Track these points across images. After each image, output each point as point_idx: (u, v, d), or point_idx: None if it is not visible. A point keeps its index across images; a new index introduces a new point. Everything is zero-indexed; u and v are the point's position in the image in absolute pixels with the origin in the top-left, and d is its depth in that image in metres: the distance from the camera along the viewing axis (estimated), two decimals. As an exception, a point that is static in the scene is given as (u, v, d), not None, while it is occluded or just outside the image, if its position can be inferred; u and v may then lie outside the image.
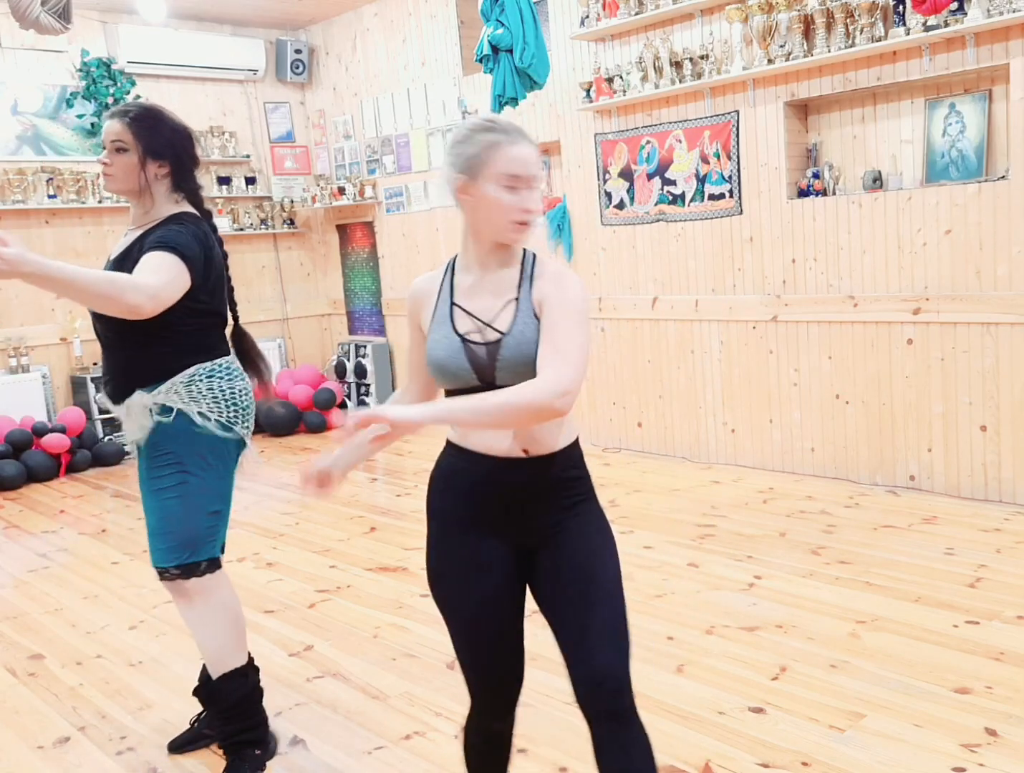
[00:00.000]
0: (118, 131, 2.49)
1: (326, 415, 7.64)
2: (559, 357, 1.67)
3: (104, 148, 2.53)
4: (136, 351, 2.48)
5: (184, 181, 2.56)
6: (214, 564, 2.56)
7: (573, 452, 1.85)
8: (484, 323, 1.77)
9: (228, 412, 2.53)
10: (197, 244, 2.45)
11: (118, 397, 2.54)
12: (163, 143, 2.51)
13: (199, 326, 2.52)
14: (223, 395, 2.52)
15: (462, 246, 1.85)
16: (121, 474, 6.54)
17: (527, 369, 1.72)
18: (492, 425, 1.73)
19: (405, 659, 3.27)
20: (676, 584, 3.80)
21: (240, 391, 2.57)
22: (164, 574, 2.53)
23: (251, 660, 2.70)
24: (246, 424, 2.59)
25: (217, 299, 2.57)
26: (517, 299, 1.78)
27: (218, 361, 2.56)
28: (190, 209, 2.56)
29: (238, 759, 2.63)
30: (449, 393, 1.83)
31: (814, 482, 5.11)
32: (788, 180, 5.13)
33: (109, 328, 2.49)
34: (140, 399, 2.48)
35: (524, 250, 1.85)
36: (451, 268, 1.87)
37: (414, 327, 1.93)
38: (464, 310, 1.80)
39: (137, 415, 2.49)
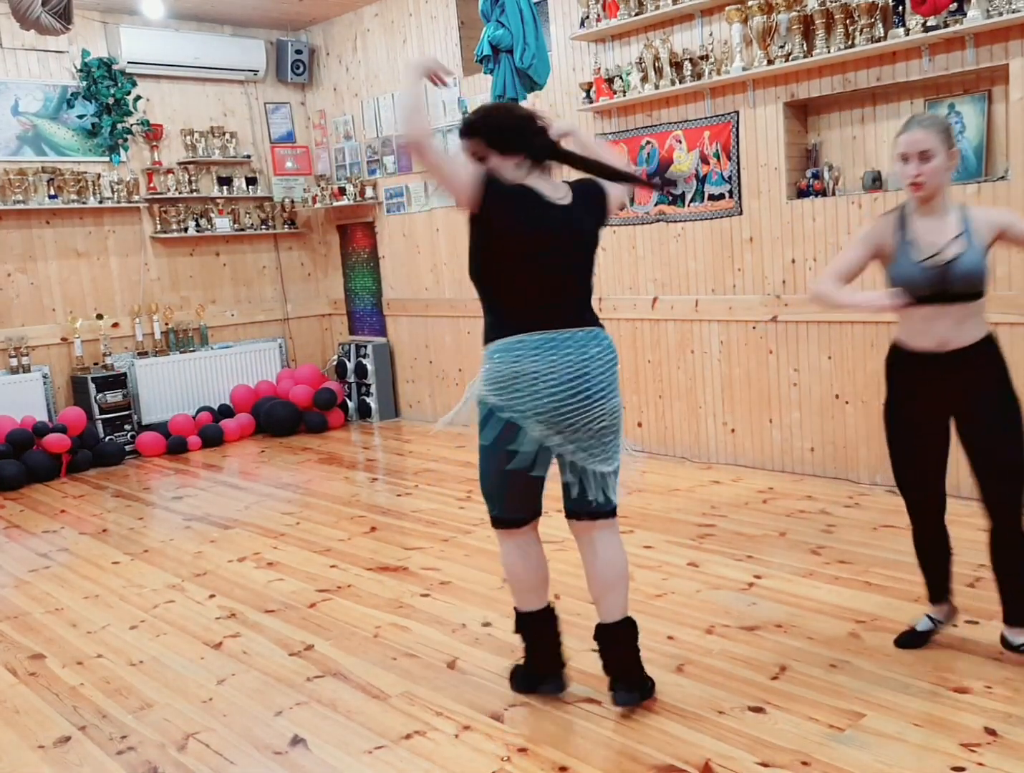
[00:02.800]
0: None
1: (326, 415, 7.65)
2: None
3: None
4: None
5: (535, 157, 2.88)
6: (495, 522, 2.86)
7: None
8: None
9: (496, 394, 2.66)
10: (502, 185, 2.64)
11: None
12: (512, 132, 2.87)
13: (495, 301, 2.71)
14: (488, 376, 2.67)
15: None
16: (122, 474, 6.55)
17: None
18: None
19: (405, 659, 3.27)
20: (676, 584, 3.80)
21: (501, 375, 2.65)
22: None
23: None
24: (516, 407, 2.64)
25: (510, 272, 2.67)
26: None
27: (501, 341, 2.67)
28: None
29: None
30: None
31: (814, 482, 5.12)
32: (788, 180, 5.14)
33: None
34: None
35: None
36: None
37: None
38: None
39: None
